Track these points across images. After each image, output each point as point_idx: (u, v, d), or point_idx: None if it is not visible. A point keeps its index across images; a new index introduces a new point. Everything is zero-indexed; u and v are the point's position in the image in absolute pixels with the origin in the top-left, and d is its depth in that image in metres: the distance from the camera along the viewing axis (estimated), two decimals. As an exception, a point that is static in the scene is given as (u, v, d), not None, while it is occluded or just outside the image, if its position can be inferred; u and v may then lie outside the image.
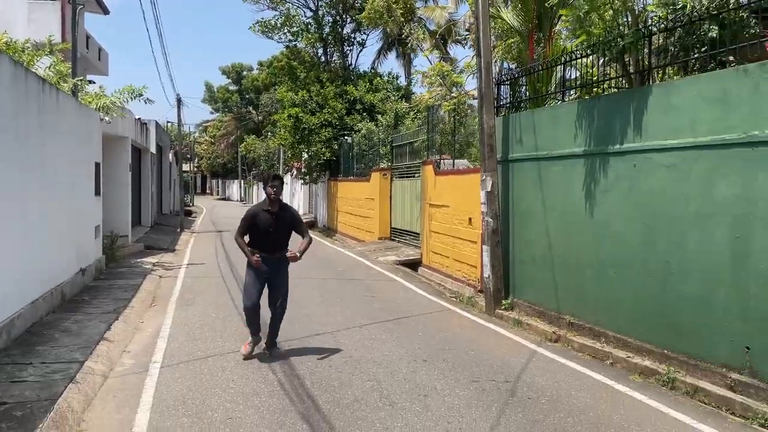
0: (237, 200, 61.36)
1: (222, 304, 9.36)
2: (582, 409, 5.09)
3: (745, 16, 6.08)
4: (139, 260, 14.24)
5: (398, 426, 4.65)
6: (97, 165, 11.86)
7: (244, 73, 61.80)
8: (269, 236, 6.33)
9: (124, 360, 6.48)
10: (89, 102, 12.04)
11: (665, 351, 6.29)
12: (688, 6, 6.20)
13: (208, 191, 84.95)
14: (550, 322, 8.17)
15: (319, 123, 23.02)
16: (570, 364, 6.43)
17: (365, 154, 20.98)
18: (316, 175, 25.82)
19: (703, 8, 6.02)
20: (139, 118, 21.19)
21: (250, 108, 59.19)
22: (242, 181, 61.58)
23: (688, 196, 6.06)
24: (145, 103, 13.23)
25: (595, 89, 8.13)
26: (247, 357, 6.40)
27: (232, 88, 62.41)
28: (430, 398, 5.24)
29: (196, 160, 71.95)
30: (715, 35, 6.04)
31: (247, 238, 6.51)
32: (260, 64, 57.61)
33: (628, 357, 6.58)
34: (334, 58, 26.47)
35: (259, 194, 49.05)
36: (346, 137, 22.79)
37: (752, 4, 5.76)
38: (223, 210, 42.37)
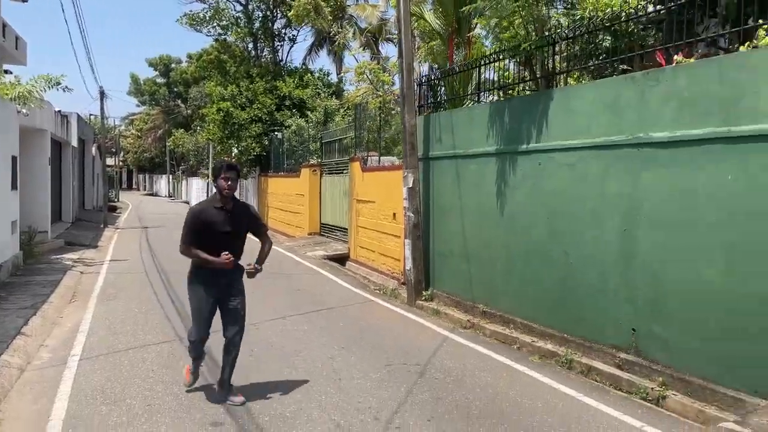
0: (165, 196, 59.84)
1: (145, 299, 9.35)
2: (483, 386, 5.53)
3: (636, 29, 6.70)
4: (59, 256, 13.87)
5: (312, 407, 4.94)
6: (13, 158, 11.51)
7: (173, 65, 60.12)
8: (224, 242, 4.90)
9: (42, 354, 6.46)
10: (6, 93, 11.65)
11: (565, 335, 6.84)
12: (586, 17, 6.75)
13: (134, 186, 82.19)
14: (466, 311, 8.63)
15: (249, 118, 22.91)
16: (478, 348, 6.89)
17: (295, 150, 21.08)
18: (246, 170, 25.65)
19: (598, 20, 6.58)
20: (59, 111, 20.47)
21: (179, 101, 57.73)
22: (171, 177, 60.11)
23: (585, 193, 6.61)
24: (64, 91, 12.79)
25: (510, 91, 8.64)
26: (191, 386, 5.31)
27: (160, 80, 60.65)
28: (343, 381, 5.55)
29: (121, 155, 69.50)
30: (608, 45, 6.62)
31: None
32: (189, 56, 56.15)
33: (533, 341, 7.10)
34: (264, 53, 26.37)
35: (189, 190, 48.02)
36: (276, 133, 22.80)
37: (641, 17, 6.34)
38: (149, 206, 41.26)
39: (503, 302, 7.96)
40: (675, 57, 5.92)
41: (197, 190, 42.51)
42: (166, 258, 13.57)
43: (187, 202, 46.10)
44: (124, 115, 70.99)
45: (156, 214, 30.41)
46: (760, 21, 5.30)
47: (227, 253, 4.84)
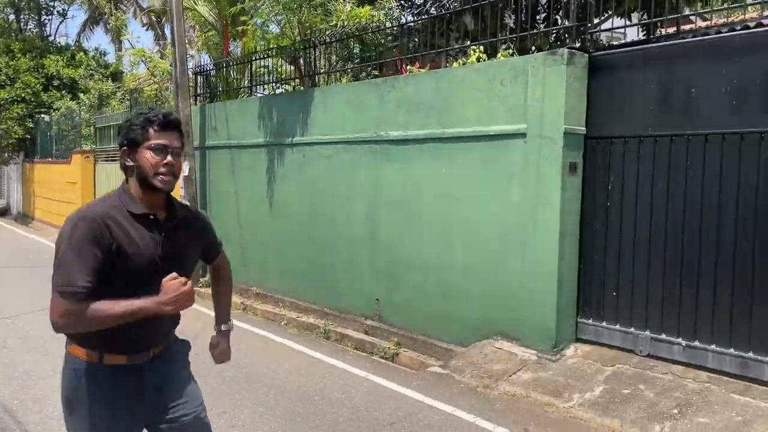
0: None
1: None
2: (238, 357, 5.98)
3: (383, 40, 7.69)
4: None
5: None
6: None
7: None
8: (151, 289, 2.13)
9: None
10: None
11: (325, 309, 7.66)
12: (339, 26, 7.58)
13: None
14: (241, 294, 9.08)
15: (10, 98, 20.67)
16: (244, 326, 7.39)
17: (66, 134, 19.57)
18: (7, 155, 23.10)
19: (348, 29, 7.45)
20: None
21: None
22: None
23: (339, 181, 7.46)
24: None
25: (284, 86, 9.23)
26: None
27: None
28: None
29: None
30: (358, 52, 7.52)
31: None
32: (-66, 21, 48.14)
33: (298, 317, 7.82)
34: (29, 27, 23.86)
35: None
36: (43, 115, 20.88)
37: (381, 30, 7.32)
38: None
39: (275, 283, 8.57)
40: (408, 67, 6.98)
41: (-54, 178, 36.88)
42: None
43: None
44: None
45: None
46: (468, 42, 6.53)
47: (176, 274, 2.17)
